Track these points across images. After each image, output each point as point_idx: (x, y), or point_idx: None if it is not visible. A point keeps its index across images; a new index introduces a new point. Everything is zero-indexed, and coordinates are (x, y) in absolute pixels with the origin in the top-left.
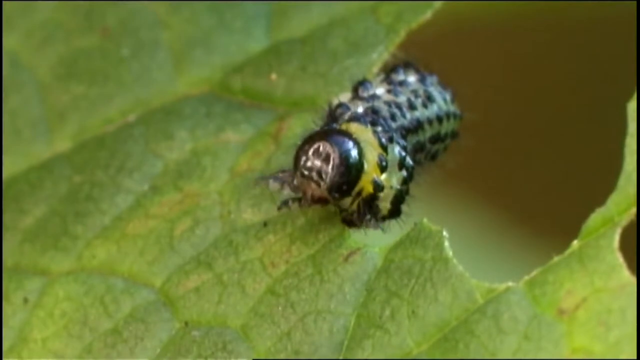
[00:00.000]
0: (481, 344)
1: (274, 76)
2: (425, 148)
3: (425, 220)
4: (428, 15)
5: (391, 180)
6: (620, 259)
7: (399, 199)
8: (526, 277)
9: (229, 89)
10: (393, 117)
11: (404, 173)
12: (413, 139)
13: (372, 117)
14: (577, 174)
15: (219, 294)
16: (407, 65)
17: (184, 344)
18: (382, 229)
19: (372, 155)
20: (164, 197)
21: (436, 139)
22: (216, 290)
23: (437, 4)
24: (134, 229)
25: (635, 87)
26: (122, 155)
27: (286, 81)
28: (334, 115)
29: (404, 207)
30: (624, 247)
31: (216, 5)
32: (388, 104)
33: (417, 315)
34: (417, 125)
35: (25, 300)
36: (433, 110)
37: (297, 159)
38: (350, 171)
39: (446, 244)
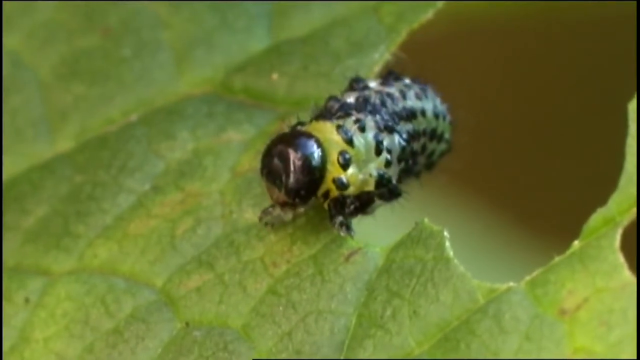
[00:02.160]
0: (482, 344)
1: (275, 76)
2: (421, 140)
3: (426, 220)
4: (429, 15)
5: (366, 170)
6: (621, 259)
7: (383, 183)
8: (527, 277)
9: (231, 89)
10: (383, 103)
11: (386, 156)
12: (407, 127)
13: (358, 105)
14: (578, 174)
15: (220, 293)
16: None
17: (185, 344)
18: (351, 235)
19: (334, 154)
20: (165, 197)
21: (432, 135)
22: (217, 290)
23: (439, 4)
24: (136, 229)
25: (636, 87)
26: (123, 155)
27: (288, 81)
28: (324, 109)
29: (400, 192)
30: (625, 247)
31: (218, 5)
32: (380, 92)
33: (419, 315)
34: (410, 114)
35: (27, 300)
36: (427, 103)
37: (260, 164)
38: (308, 174)
39: (447, 244)
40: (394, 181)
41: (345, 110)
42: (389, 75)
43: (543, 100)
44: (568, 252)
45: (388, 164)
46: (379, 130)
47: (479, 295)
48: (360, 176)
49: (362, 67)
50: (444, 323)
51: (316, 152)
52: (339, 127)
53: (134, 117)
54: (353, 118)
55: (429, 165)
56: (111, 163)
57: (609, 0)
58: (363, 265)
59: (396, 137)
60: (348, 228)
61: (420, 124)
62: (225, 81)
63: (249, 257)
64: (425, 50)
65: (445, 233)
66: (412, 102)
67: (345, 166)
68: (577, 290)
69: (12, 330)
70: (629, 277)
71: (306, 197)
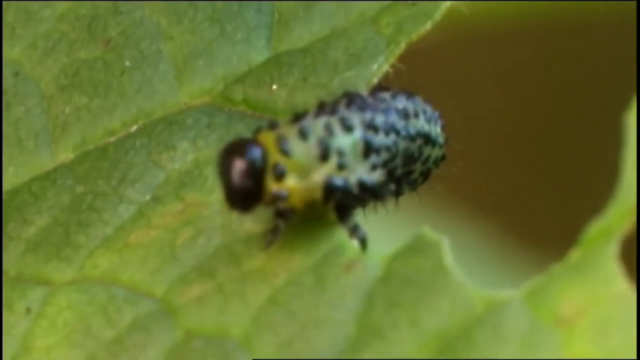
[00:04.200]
0: (481, 352)
1: (275, 87)
2: (417, 142)
3: (425, 229)
4: (428, 26)
5: (312, 178)
6: (619, 268)
7: (333, 189)
8: (525, 286)
9: (231, 100)
10: (371, 105)
11: (336, 161)
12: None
13: (323, 108)
14: (576, 183)
15: (221, 303)
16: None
17: (185, 353)
18: (268, 245)
19: (270, 164)
20: (165, 207)
21: (427, 139)
22: (218, 300)
23: (438, 15)
24: (136, 239)
25: (634, 97)
26: (124, 166)
27: (287, 92)
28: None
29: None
30: (623, 257)
31: (218, 17)
32: (368, 97)
33: (418, 324)
34: (404, 114)
35: (28, 310)
36: (418, 107)
37: None
38: (240, 183)
39: (446, 253)
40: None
41: (319, 111)
42: (377, 88)
43: (540, 109)
44: (566, 262)
45: (341, 167)
46: (363, 126)
47: (478, 304)
48: (302, 185)
49: (361, 78)
50: (443, 332)
51: (247, 163)
52: (277, 138)
53: (134, 128)
54: (322, 119)
55: (425, 173)
56: (112, 174)
57: (610, 0)
58: (362, 275)
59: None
60: (359, 233)
61: (415, 125)
62: (225, 92)
63: (249, 267)
64: (420, 58)
65: (444, 242)
66: (403, 103)
67: (279, 177)
68: (575, 299)
69: (13, 340)
70: (627, 286)
71: (246, 206)
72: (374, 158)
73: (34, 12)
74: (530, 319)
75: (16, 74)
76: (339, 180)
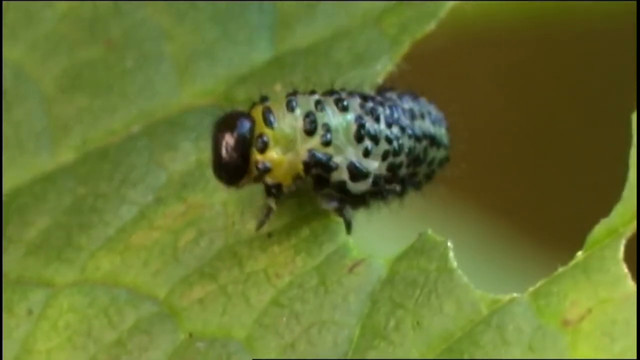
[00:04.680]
0: (486, 355)
1: (278, 87)
2: (422, 143)
3: (429, 231)
4: (432, 26)
5: (296, 152)
6: (624, 269)
7: (316, 163)
8: (531, 288)
9: (233, 100)
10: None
11: (320, 135)
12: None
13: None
14: (581, 185)
15: (223, 305)
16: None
17: (188, 355)
18: (259, 226)
19: (255, 136)
20: (167, 209)
21: (432, 141)
22: (220, 302)
23: (442, 14)
24: (138, 240)
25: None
26: (126, 167)
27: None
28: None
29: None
30: (628, 258)
31: (220, 17)
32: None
33: (422, 326)
34: (410, 114)
35: (29, 312)
36: (424, 108)
37: None
38: (227, 155)
39: (451, 254)
40: (363, 170)
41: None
42: (383, 88)
43: (546, 110)
44: (571, 263)
45: (326, 143)
46: (361, 112)
47: (482, 306)
48: (286, 158)
49: (364, 78)
50: (448, 334)
51: (234, 134)
52: (264, 109)
53: (136, 129)
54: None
55: (429, 175)
56: (113, 175)
57: (609, 0)
58: (366, 276)
59: (379, 124)
60: (342, 214)
61: (420, 126)
62: (227, 92)
63: (252, 269)
64: (425, 61)
65: (449, 244)
66: (409, 104)
67: (262, 148)
68: (580, 301)
69: (14, 342)
70: (633, 288)
71: (233, 179)
72: (368, 144)
73: (35, 13)
74: (535, 321)
75: (17, 74)
76: (320, 154)
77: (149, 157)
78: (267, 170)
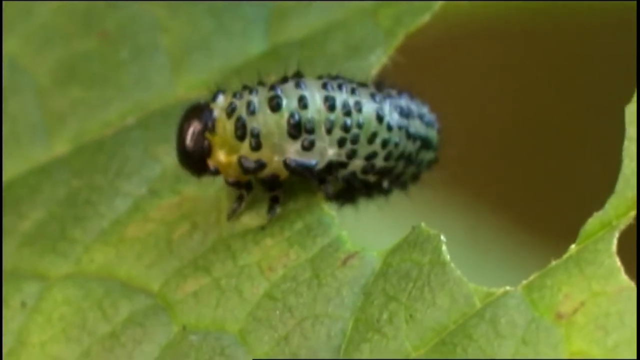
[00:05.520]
0: (479, 348)
1: (272, 79)
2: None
3: (423, 224)
4: (427, 18)
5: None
6: (618, 262)
7: (245, 167)
8: (524, 281)
9: None
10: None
11: (250, 141)
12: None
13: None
14: (574, 178)
15: (217, 298)
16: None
17: (181, 348)
18: (230, 215)
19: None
20: (162, 201)
21: (423, 143)
22: (214, 295)
23: (436, 6)
24: (132, 233)
25: (634, 91)
26: (120, 159)
27: None
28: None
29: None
30: (622, 251)
31: (215, 9)
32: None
33: (415, 319)
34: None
35: (24, 304)
36: (419, 108)
37: None
38: (181, 147)
39: (444, 248)
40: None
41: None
42: (381, 85)
43: (541, 104)
44: (565, 256)
45: (255, 148)
46: (299, 105)
47: (476, 299)
48: (233, 160)
49: (359, 70)
50: (441, 327)
51: (189, 127)
52: (207, 116)
53: (131, 121)
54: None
55: (416, 176)
56: (108, 167)
57: (608, 0)
58: (360, 269)
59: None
60: (321, 187)
61: (415, 126)
62: (222, 84)
63: (246, 262)
64: (420, 53)
65: (442, 237)
66: (406, 103)
67: (208, 153)
68: (574, 294)
69: (8, 335)
70: (626, 281)
71: (192, 169)
72: (307, 137)
73: (29, 5)
74: (529, 314)
75: (12, 66)
76: (248, 162)
77: (144, 150)
78: (217, 171)
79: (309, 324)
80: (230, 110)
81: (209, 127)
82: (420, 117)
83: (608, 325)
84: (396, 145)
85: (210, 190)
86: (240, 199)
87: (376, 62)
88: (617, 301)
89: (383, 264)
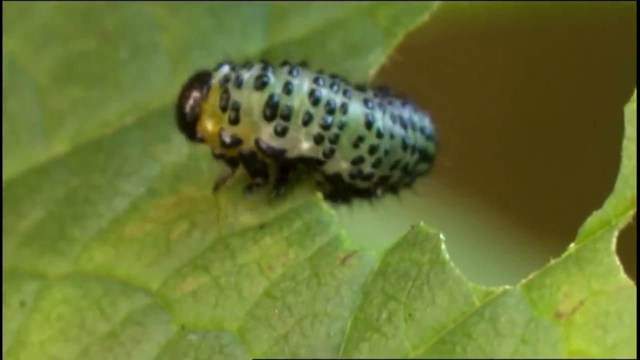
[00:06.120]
0: (478, 347)
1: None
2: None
3: (422, 223)
4: (425, 17)
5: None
6: (617, 261)
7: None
8: (523, 280)
9: None
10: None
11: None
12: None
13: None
14: (574, 177)
15: (216, 297)
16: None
17: (181, 347)
18: (215, 187)
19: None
20: (161, 200)
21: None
22: (213, 294)
23: (435, 6)
24: (131, 232)
25: (634, 90)
26: (119, 158)
27: None
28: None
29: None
30: (621, 250)
31: (214, 8)
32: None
33: (414, 318)
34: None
35: (23, 304)
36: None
37: None
38: (177, 110)
39: (443, 247)
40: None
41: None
42: (387, 91)
43: (540, 103)
44: (564, 255)
45: (233, 122)
46: (282, 90)
47: (475, 298)
48: (218, 132)
49: (358, 69)
50: (440, 326)
51: (187, 91)
52: (204, 80)
53: (129, 120)
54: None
55: (408, 184)
56: (107, 166)
57: (607, 0)
58: (359, 269)
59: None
60: (277, 186)
61: (413, 138)
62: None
63: (245, 260)
64: (419, 52)
65: (441, 236)
66: (407, 112)
67: (197, 119)
68: (573, 293)
69: (7, 334)
70: (625, 280)
71: (184, 132)
72: (280, 123)
73: (29, 4)
74: (528, 313)
75: (11, 66)
76: (224, 135)
77: (142, 149)
78: (202, 140)
79: (308, 323)
80: (224, 81)
81: (203, 94)
82: (422, 130)
83: (607, 324)
84: (387, 152)
85: (209, 190)
86: (226, 174)
87: (375, 61)
88: (616, 300)
89: (382, 263)
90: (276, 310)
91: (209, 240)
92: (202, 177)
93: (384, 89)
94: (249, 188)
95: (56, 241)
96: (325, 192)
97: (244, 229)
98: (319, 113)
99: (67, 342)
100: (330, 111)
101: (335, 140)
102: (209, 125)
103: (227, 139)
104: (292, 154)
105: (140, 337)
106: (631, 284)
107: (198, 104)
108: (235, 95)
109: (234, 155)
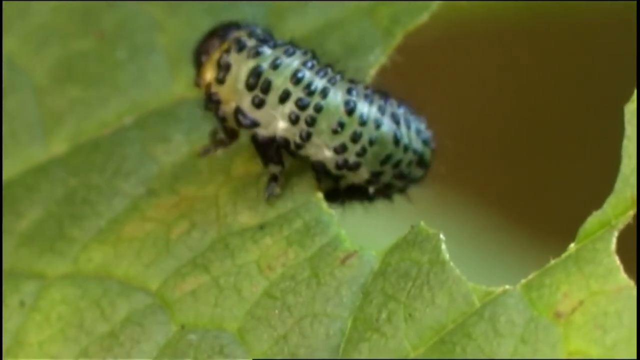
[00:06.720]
0: (478, 347)
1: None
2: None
3: (422, 223)
4: (425, 17)
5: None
6: (617, 261)
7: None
8: (523, 280)
9: None
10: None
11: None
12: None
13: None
14: (574, 177)
15: (216, 297)
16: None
17: (180, 347)
18: (203, 153)
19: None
20: (160, 200)
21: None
22: (212, 293)
23: (434, 6)
24: (130, 232)
25: (634, 90)
26: (118, 158)
27: None
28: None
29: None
30: (621, 250)
31: (213, 8)
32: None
33: (414, 318)
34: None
35: (22, 304)
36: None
37: None
38: (195, 47)
39: (443, 247)
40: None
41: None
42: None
43: (540, 103)
44: (564, 255)
45: (222, 79)
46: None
47: (475, 298)
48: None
49: (357, 69)
50: (440, 326)
51: (211, 35)
52: (237, 38)
53: (128, 120)
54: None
55: (402, 189)
56: (106, 166)
57: (607, 0)
58: (359, 269)
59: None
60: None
61: (407, 137)
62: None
63: (244, 260)
64: (420, 53)
65: (441, 236)
66: (402, 111)
67: (216, 75)
68: (573, 293)
69: (6, 334)
70: (625, 280)
71: (195, 68)
72: (259, 94)
73: (27, 4)
74: (528, 313)
75: (9, 65)
76: (211, 92)
77: (141, 149)
78: (198, 85)
79: (308, 323)
80: (235, 42)
81: (217, 44)
82: (418, 132)
83: (606, 324)
84: (371, 142)
85: (209, 190)
86: (219, 143)
87: (375, 61)
88: (615, 300)
89: (382, 263)
90: (276, 310)
91: (209, 240)
92: (202, 176)
93: (382, 92)
94: (269, 188)
95: (55, 241)
96: (325, 192)
97: (243, 228)
98: (296, 93)
99: (66, 342)
100: (310, 93)
101: (312, 122)
102: (207, 74)
103: (211, 94)
104: (267, 131)
105: (139, 337)
106: (631, 284)
107: (207, 51)
108: (232, 57)
109: (234, 128)
